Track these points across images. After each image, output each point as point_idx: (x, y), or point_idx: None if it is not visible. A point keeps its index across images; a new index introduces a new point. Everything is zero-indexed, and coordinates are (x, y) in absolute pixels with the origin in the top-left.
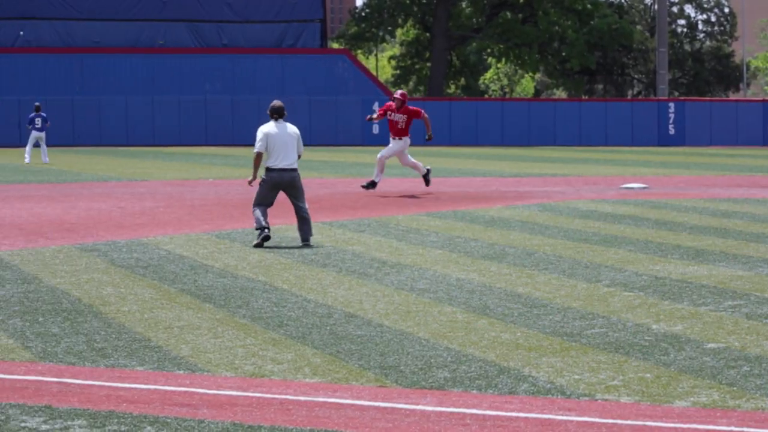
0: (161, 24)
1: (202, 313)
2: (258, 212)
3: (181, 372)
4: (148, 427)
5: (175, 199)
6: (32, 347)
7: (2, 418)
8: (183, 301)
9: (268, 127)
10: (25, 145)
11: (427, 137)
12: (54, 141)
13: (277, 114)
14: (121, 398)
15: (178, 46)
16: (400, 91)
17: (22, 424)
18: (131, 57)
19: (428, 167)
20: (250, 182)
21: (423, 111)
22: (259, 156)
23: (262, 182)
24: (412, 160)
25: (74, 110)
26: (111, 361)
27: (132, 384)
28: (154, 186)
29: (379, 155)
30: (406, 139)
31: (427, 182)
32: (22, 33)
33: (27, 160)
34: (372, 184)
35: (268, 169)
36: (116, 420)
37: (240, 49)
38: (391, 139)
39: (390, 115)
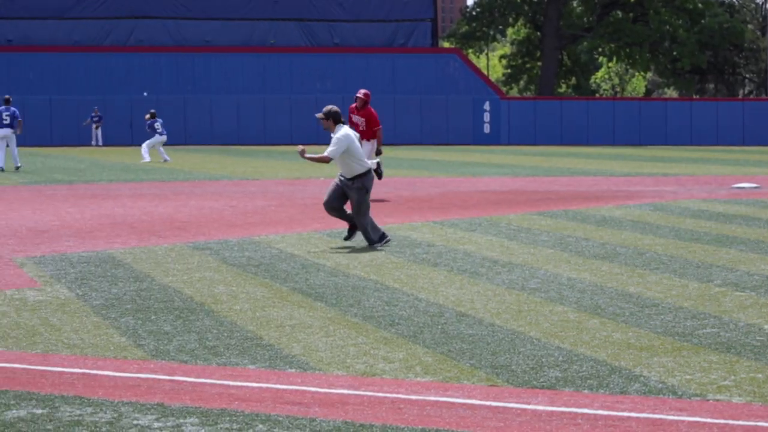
0: (272, 23)
1: (313, 312)
2: (373, 221)
3: (293, 370)
4: (260, 426)
5: (286, 197)
6: (145, 345)
7: (115, 415)
8: (294, 299)
9: (346, 131)
10: (137, 145)
11: (376, 152)
12: (168, 140)
13: (340, 120)
14: (233, 396)
15: (289, 45)
16: (363, 90)
17: (135, 422)
18: (243, 56)
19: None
20: (302, 153)
21: (379, 125)
22: (328, 161)
23: (366, 190)
24: None
25: (186, 109)
26: (223, 360)
27: (244, 382)
28: (265, 185)
29: None
30: (373, 143)
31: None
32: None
33: (146, 159)
34: None
35: (368, 172)
36: (228, 418)
37: (351, 48)
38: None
39: (351, 117)
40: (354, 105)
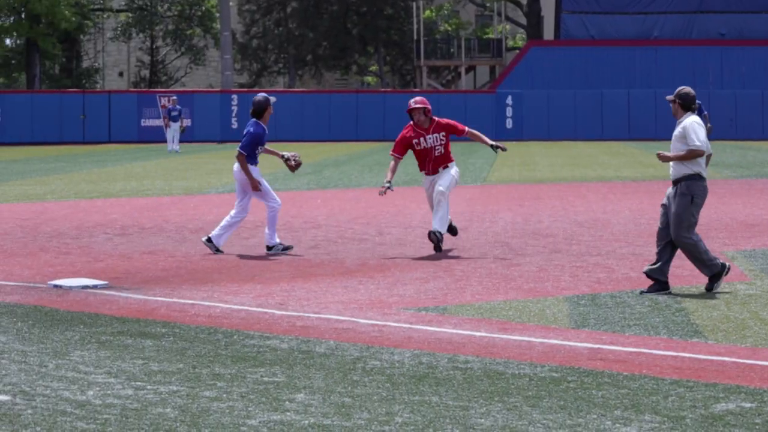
0: None
1: None
2: (703, 243)
3: None
4: None
5: None
6: None
7: None
8: None
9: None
10: None
11: (498, 150)
12: None
13: (691, 106)
14: None
15: None
16: (417, 98)
17: None
18: None
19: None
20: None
21: (464, 128)
22: (702, 154)
23: (692, 198)
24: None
25: None
26: None
27: None
28: None
29: (437, 198)
30: (455, 168)
31: (453, 232)
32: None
33: None
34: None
35: (699, 178)
36: None
37: None
38: (426, 178)
39: (417, 144)
40: (409, 128)
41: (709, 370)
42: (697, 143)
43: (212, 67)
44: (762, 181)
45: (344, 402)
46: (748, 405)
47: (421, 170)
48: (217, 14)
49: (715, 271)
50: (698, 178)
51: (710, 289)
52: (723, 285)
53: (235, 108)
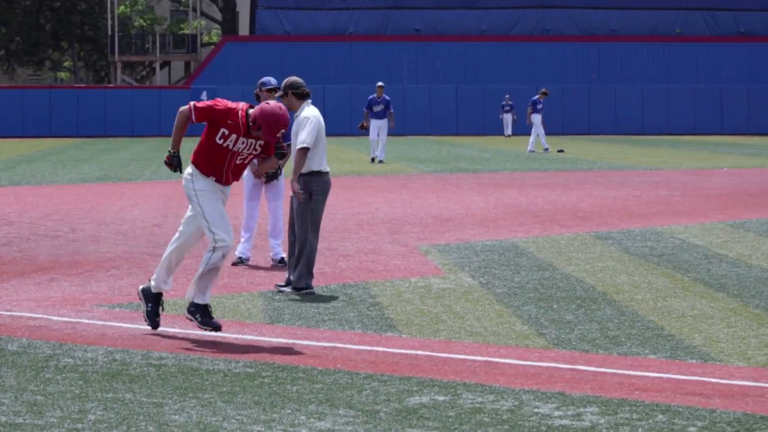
0: (678, 13)
1: (715, 303)
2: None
3: (693, 361)
4: (660, 416)
5: (690, 188)
6: (546, 334)
7: (516, 403)
8: (696, 290)
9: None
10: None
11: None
12: (571, 129)
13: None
14: (634, 386)
15: (694, 34)
16: None
17: (535, 410)
18: (648, 46)
19: None
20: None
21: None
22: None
23: (317, 194)
24: None
25: (590, 99)
26: (624, 349)
27: (644, 372)
28: (669, 175)
29: None
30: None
31: None
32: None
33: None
34: None
35: (319, 172)
36: (628, 408)
37: (758, 38)
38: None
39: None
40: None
41: (403, 364)
42: (305, 142)
43: None
44: (456, 176)
45: (36, 400)
46: (441, 398)
47: None
48: None
49: (305, 285)
50: (315, 174)
51: (281, 287)
52: (417, 282)
53: None
